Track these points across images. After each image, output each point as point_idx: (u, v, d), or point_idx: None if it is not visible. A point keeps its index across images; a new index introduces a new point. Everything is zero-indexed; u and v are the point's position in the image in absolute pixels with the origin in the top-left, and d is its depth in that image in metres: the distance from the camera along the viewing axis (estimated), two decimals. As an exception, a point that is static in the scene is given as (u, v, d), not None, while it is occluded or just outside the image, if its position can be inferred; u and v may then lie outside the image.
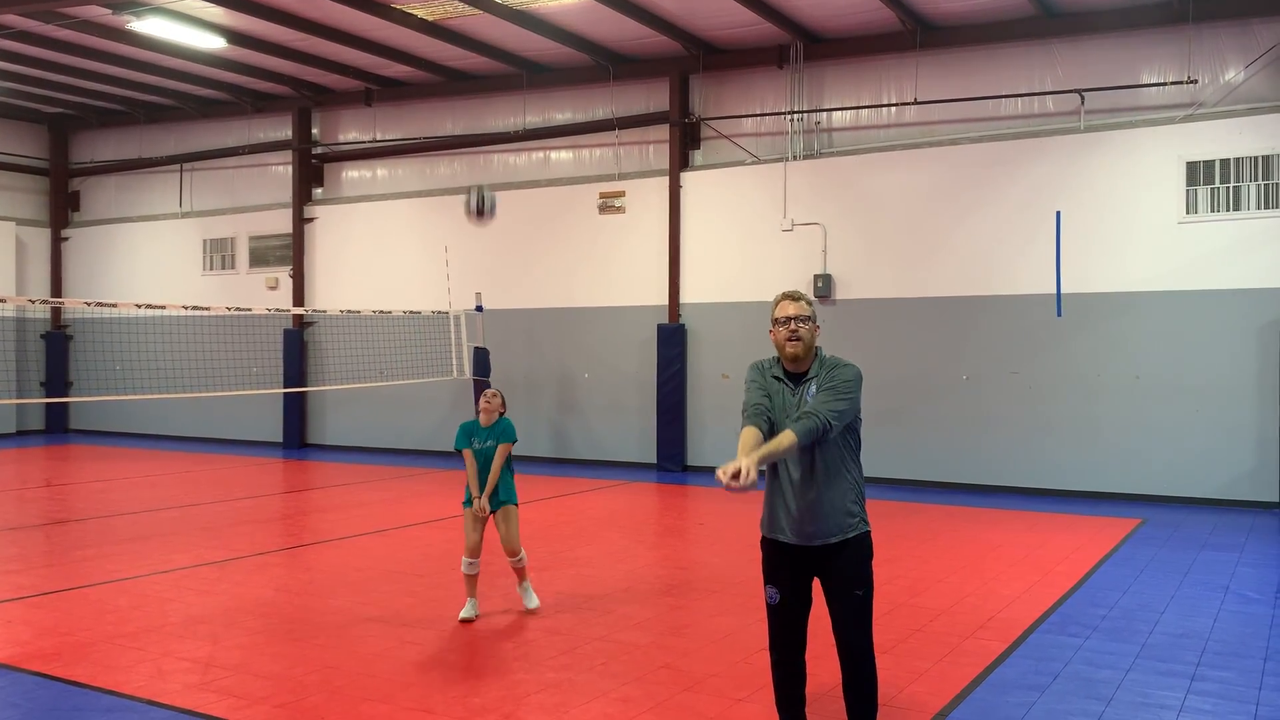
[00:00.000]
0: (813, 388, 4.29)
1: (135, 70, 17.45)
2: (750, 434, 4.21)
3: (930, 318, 14.01)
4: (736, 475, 3.81)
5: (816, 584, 4.44)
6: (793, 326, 4.30)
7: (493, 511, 7.13)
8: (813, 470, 4.28)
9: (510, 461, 7.23)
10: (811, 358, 4.37)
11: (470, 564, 7.13)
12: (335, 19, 14.56)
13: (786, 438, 4.08)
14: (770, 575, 4.45)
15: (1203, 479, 12.50)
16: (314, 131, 19.29)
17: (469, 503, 7.18)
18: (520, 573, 7.33)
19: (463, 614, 7.03)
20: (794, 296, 4.36)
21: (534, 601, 7.30)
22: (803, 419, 4.14)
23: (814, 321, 4.37)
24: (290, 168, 19.33)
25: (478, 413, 7.22)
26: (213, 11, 14.14)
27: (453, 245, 17.18)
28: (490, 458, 7.10)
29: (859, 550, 4.33)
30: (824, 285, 14.51)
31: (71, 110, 21.04)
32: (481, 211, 7.94)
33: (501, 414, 7.25)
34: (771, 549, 4.45)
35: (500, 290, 16.99)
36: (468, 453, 7.14)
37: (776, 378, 4.38)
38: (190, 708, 5.27)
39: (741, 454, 4.03)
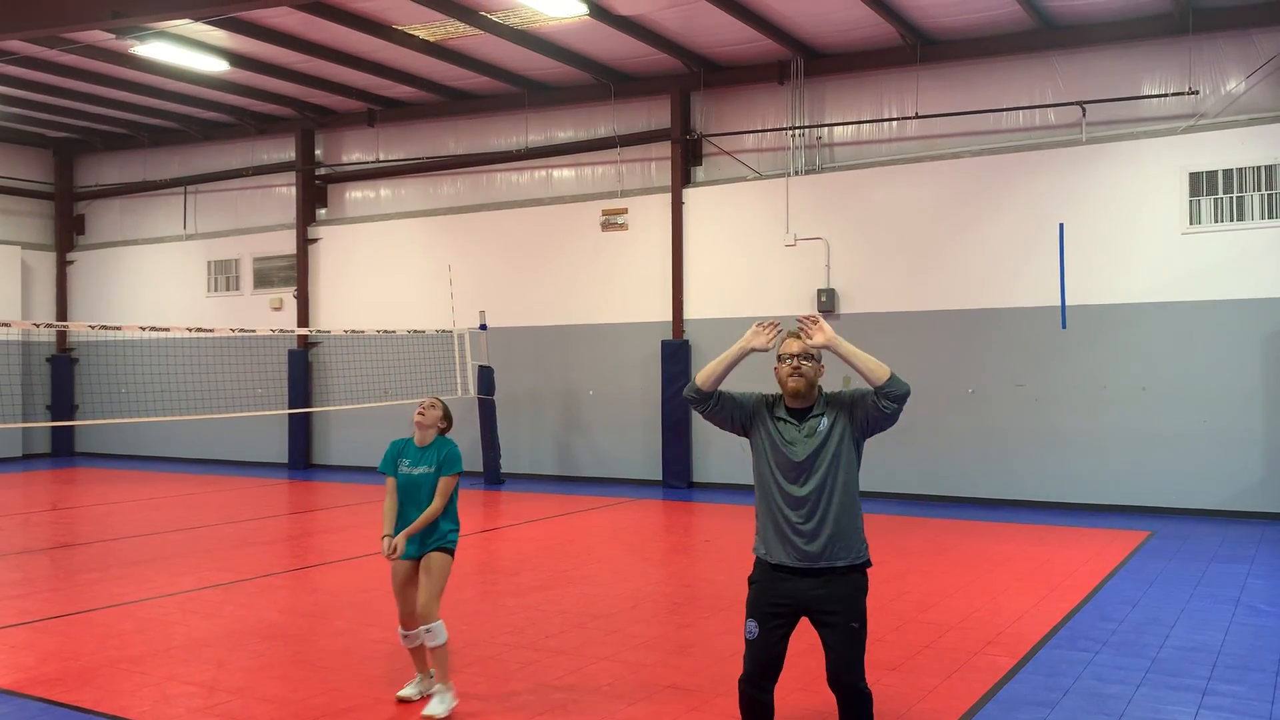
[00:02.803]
0: (823, 422, 4.29)
1: (139, 94, 17.55)
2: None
3: (934, 331, 13.99)
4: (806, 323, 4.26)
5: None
6: (795, 364, 4.31)
7: (414, 557, 5.52)
8: (826, 488, 4.24)
9: (454, 495, 5.63)
10: (815, 396, 4.38)
11: (407, 636, 5.65)
12: (337, 41, 14.63)
13: (884, 366, 4.21)
14: (754, 609, 4.39)
15: (1211, 490, 12.44)
16: (317, 153, 19.37)
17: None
18: (436, 658, 5.49)
19: (401, 692, 5.68)
20: (799, 335, 4.38)
21: (440, 709, 5.35)
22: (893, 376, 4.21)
23: (819, 361, 4.36)
24: (294, 189, 19.39)
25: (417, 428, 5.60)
26: (216, 35, 14.22)
27: (456, 264, 17.21)
28: (421, 486, 5.49)
29: (855, 582, 4.29)
30: (828, 300, 14.50)
31: (76, 134, 21.14)
32: None
33: (442, 431, 5.67)
34: (767, 575, 4.38)
35: (504, 308, 17.00)
36: (390, 481, 5.57)
37: (780, 419, 4.37)
38: (194, 732, 5.24)
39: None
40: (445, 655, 5.54)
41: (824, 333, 4.25)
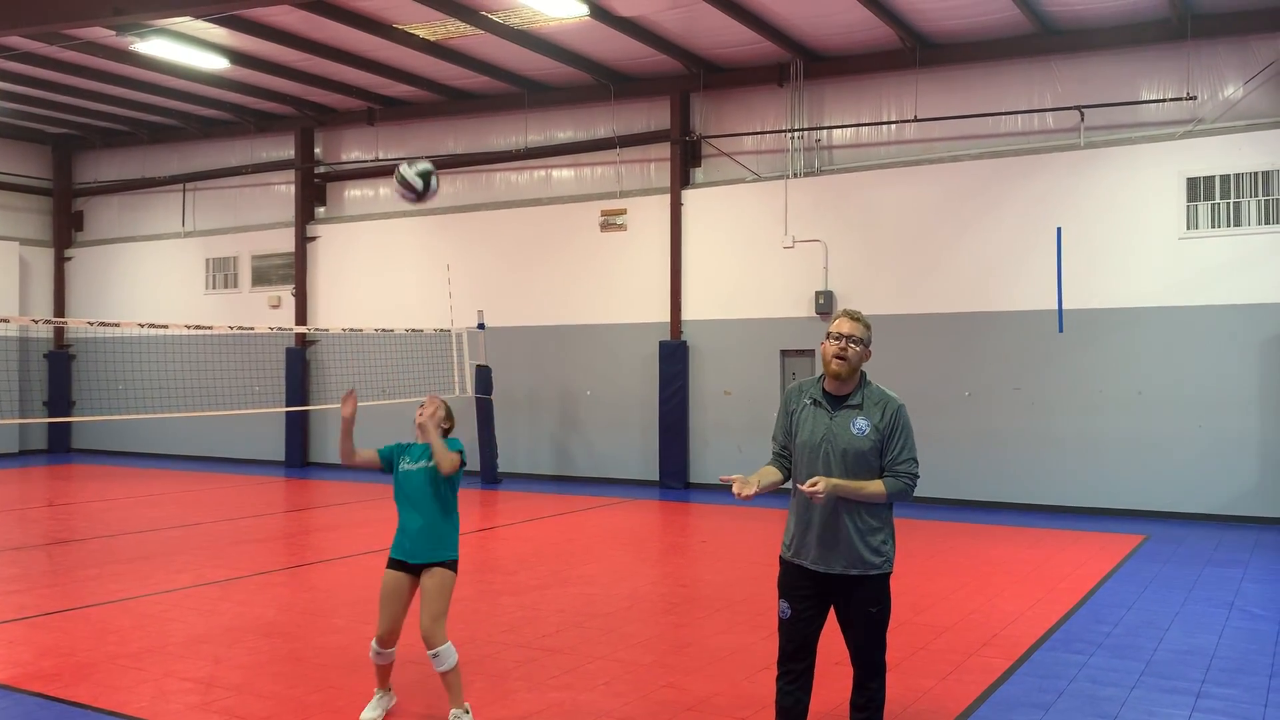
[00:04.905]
0: (860, 422, 4.22)
1: (139, 91, 17.55)
2: (769, 472, 4.40)
3: (932, 334, 14.01)
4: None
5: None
6: (842, 345, 4.25)
7: (409, 563, 5.21)
8: (854, 502, 4.24)
9: (454, 494, 5.33)
10: (856, 383, 4.32)
11: (381, 654, 5.30)
12: (338, 39, 14.65)
13: (875, 486, 4.18)
14: (785, 591, 4.43)
15: (1206, 494, 12.47)
16: (317, 151, 19.38)
17: (394, 559, 5.27)
18: (447, 683, 5.18)
19: (363, 715, 5.29)
20: (854, 316, 4.31)
21: None
22: (898, 479, 4.21)
23: (866, 346, 4.28)
24: (293, 187, 19.40)
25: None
26: (216, 33, 14.23)
27: (455, 263, 17.22)
28: (419, 485, 5.23)
29: (879, 582, 4.34)
30: (825, 302, 14.52)
31: (75, 131, 21.14)
32: (424, 190, 6.15)
33: (445, 431, 5.34)
34: (791, 570, 4.43)
35: (502, 308, 17.02)
36: (368, 455, 5.40)
37: (814, 400, 4.33)
38: (192, 728, 5.25)
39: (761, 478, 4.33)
40: (457, 678, 5.17)
41: (823, 490, 4.06)
